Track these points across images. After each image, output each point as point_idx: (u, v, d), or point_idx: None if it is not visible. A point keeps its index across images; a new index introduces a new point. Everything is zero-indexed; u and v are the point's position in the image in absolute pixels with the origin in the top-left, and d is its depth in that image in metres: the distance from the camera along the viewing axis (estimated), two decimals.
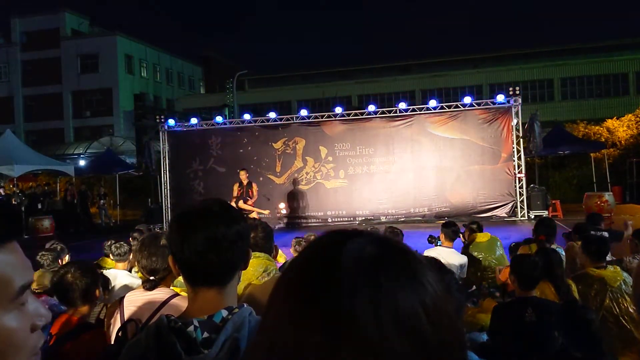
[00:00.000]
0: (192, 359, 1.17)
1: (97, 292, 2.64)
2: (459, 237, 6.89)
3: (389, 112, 15.96)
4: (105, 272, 4.41)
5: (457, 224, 6.25)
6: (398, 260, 0.61)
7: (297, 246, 5.69)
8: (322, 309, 0.57)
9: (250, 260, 2.32)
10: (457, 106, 15.50)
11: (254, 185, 12.78)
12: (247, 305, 1.28)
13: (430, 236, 6.47)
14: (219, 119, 17.27)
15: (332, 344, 0.55)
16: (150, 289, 2.24)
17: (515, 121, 14.91)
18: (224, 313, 1.23)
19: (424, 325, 0.57)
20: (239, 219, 1.36)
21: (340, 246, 0.61)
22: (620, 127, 22.55)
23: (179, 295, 2.26)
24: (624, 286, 3.94)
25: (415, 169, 15.50)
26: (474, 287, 5.96)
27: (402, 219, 15.21)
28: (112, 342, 2.08)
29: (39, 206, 18.11)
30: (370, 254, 0.61)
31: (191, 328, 1.19)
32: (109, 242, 5.58)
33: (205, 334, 1.19)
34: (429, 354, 0.56)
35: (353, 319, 0.56)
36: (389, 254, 0.61)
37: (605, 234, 6.10)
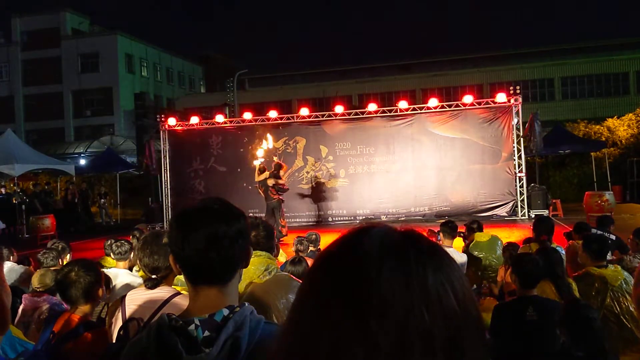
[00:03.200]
0: (192, 358, 1.17)
1: (99, 291, 2.64)
2: (460, 235, 6.91)
3: (390, 111, 15.95)
4: (106, 271, 4.42)
5: (455, 223, 6.24)
6: (422, 244, 0.65)
7: (298, 245, 5.68)
8: (348, 285, 0.59)
9: (252, 259, 2.33)
10: (457, 105, 15.50)
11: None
12: (248, 304, 1.28)
13: (430, 230, 6.49)
14: (219, 118, 17.26)
15: (359, 318, 0.57)
16: (152, 287, 2.24)
17: (515, 120, 14.91)
18: (225, 312, 1.23)
19: (452, 303, 0.60)
20: (239, 217, 1.35)
21: (366, 233, 0.65)
22: (620, 127, 22.53)
23: (181, 294, 2.26)
24: (624, 285, 3.94)
25: (415, 168, 15.50)
26: (474, 286, 5.96)
27: (403, 218, 15.21)
28: (114, 341, 2.08)
29: (39, 205, 18.08)
30: (395, 238, 0.64)
31: (192, 327, 1.19)
32: (110, 241, 5.59)
33: (206, 333, 1.19)
34: (456, 330, 0.59)
35: (380, 294, 0.58)
36: (413, 239, 0.65)
37: (613, 237, 6.10)
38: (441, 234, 5.98)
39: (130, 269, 4.93)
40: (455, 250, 6.02)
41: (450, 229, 5.94)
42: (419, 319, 0.57)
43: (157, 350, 1.17)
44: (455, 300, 0.60)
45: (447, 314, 0.59)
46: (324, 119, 16.34)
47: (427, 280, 0.60)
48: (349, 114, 16.30)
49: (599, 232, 6.00)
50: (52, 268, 4.48)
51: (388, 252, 0.61)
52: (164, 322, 1.20)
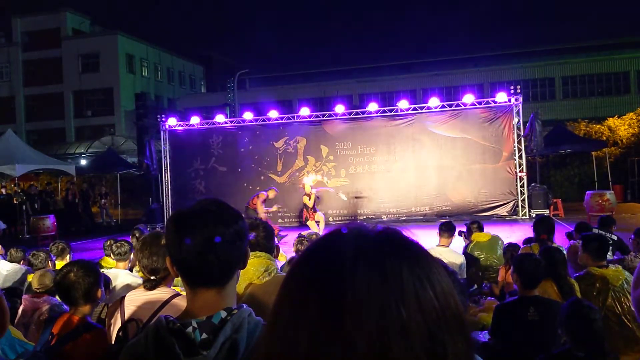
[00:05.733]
0: None
1: (99, 292, 2.63)
2: (460, 236, 6.89)
3: (390, 111, 15.95)
4: (106, 271, 4.41)
5: (453, 223, 6.21)
6: (398, 241, 0.64)
7: (299, 245, 5.68)
8: (323, 284, 0.59)
9: (251, 260, 2.32)
10: (458, 105, 15.50)
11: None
12: (246, 306, 1.27)
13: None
14: (220, 118, 17.27)
15: (334, 316, 0.57)
16: (151, 288, 2.24)
17: (516, 120, 14.90)
18: (223, 314, 1.22)
19: (430, 298, 0.59)
20: (236, 218, 1.33)
21: (341, 234, 0.65)
22: (621, 126, 22.52)
23: (180, 295, 2.26)
24: (626, 285, 3.93)
25: (416, 167, 15.49)
26: (475, 286, 5.95)
27: (404, 218, 15.22)
28: (113, 342, 2.08)
29: (36, 206, 18.08)
30: (370, 236, 0.64)
31: (190, 329, 1.18)
32: (109, 242, 5.59)
33: (204, 335, 1.18)
34: (435, 325, 0.58)
35: (355, 291, 0.58)
36: (389, 237, 0.64)
37: (614, 237, 6.08)
38: (438, 235, 5.95)
39: (131, 269, 4.92)
40: (453, 250, 5.99)
41: (447, 229, 5.92)
42: (396, 315, 0.57)
43: (154, 352, 1.17)
44: (433, 294, 0.59)
45: (425, 309, 0.58)
46: (324, 118, 16.34)
47: (402, 276, 0.59)
48: (350, 114, 16.30)
49: (600, 232, 5.99)
50: (45, 268, 4.49)
51: (363, 250, 0.61)
52: (162, 324, 1.20)
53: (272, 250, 2.72)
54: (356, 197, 15.67)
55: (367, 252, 0.61)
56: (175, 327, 1.19)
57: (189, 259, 1.28)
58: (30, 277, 4.38)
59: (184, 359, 1.15)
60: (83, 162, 27.08)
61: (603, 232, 5.91)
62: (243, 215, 1.38)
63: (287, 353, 0.59)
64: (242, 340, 1.19)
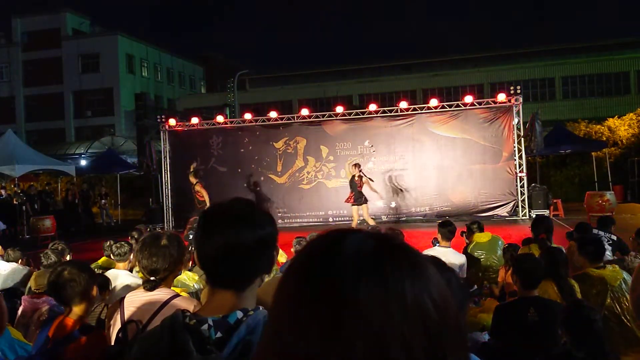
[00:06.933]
0: (203, 358, 1.15)
1: (94, 290, 2.61)
2: (462, 236, 6.88)
3: (390, 111, 15.94)
4: (106, 272, 4.41)
5: (453, 223, 6.19)
6: (399, 252, 0.63)
7: (297, 246, 5.67)
8: (325, 296, 0.58)
9: None
10: (458, 105, 15.49)
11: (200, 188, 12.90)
12: (262, 307, 1.26)
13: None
14: (220, 118, 17.26)
15: (335, 328, 0.56)
16: (151, 289, 2.23)
17: (516, 120, 14.89)
18: (239, 314, 1.21)
19: (431, 311, 0.59)
20: (265, 222, 1.31)
21: (341, 240, 0.63)
22: (621, 126, 22.52)
23: (180, 295, 2.26)
24: (624, 285, 3.93)
25: (416, 168, 15.49)
26: (475, 286, 5.94)
27: (404, 218, 15.21)
28: (113, 343, 2.07)
29: (36, 206, 18.08)
30: (371, 246, 0.62)
31: (205, 327, 1.18)
32: (109, 242, 5.58)
33: (219, 334, 1.18)
34: (436, 338, 0.58)
35: (356, 304, 0.57)
36: (390, 247, 0.63)
37: (614, 237, 6.07)
38: (439, 235, 5.92)
39: (131, 270, 4.92)
40: (454, 251, 5.98)
41: (448, 231, 5.89)
42: (397, 329, 0.56)
43: (168, 346, 1.16)
44: (434, 308, 0.59)
45: (426, 322, 0.58)
46: (324, 119, 16.33)
47: (404, 290, 0.59)
48: (350, 114, 16.29)
49: (600, 232, 5.99)
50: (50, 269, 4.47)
51: (364, 261, 0.60)
52: (178, 319, 1.19)
53: None
54: None
55: (369, 265, 0.60)
56: (191, 323, 1.18)
57: (210, 259, 1.28)
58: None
59: (197, 357, 1.15)
60: (83, 162, 27.05)
61: (602, 233, 5.91)
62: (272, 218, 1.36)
63: (285, 354, 0.59)
64: (256, 342, 1.18)
